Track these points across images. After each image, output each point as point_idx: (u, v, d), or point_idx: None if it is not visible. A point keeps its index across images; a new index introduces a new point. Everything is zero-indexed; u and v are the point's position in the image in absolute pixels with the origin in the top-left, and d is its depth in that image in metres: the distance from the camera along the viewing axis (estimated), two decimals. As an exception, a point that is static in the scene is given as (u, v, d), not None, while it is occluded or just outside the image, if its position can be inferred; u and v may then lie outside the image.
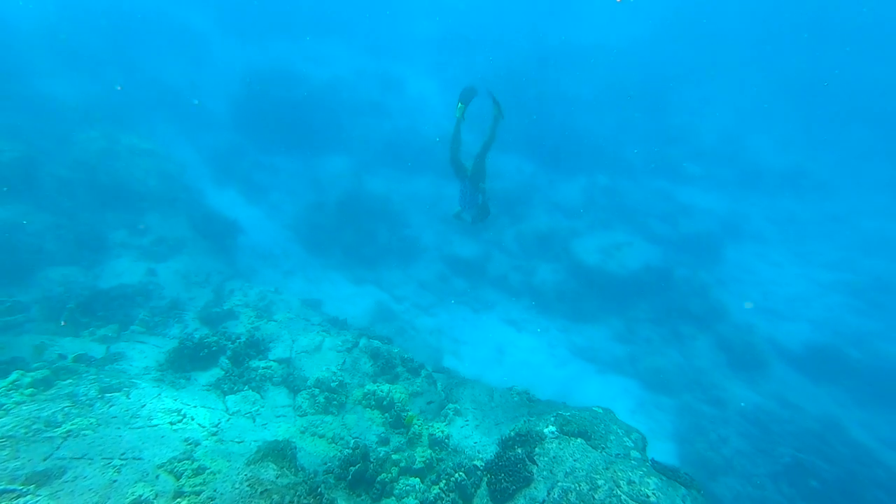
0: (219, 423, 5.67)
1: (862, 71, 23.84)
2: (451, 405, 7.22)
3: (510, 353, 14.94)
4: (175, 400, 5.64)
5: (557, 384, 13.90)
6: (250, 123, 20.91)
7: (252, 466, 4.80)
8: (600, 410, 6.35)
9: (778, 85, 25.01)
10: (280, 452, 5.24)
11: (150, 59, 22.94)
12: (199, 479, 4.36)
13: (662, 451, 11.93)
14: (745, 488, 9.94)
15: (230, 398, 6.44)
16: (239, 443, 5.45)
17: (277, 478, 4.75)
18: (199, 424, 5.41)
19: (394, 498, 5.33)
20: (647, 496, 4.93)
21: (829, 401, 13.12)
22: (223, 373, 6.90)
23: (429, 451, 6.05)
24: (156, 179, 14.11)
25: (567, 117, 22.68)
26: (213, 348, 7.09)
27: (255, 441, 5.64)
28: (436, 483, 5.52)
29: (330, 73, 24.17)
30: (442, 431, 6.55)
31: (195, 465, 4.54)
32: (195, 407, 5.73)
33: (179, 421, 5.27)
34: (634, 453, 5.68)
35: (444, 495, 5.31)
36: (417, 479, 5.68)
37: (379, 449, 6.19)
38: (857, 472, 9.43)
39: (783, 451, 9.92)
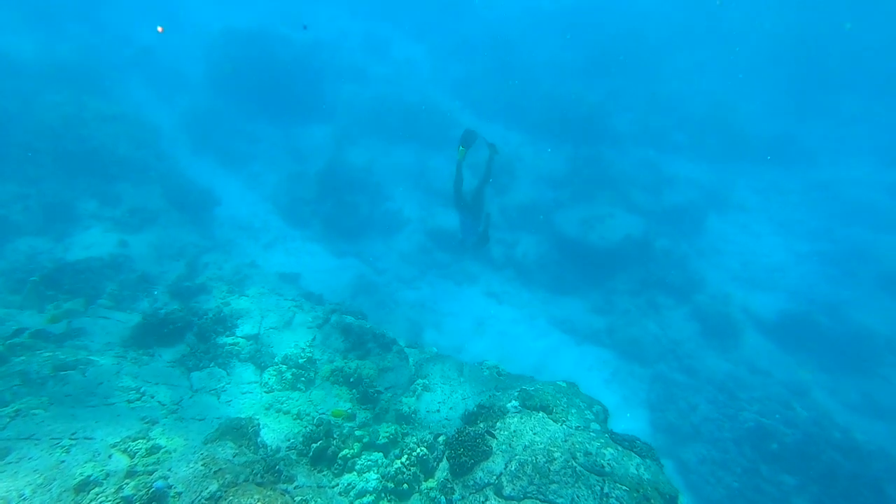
0: (180, 401, 5.66)
1: (853, 35, 23.17)
2: (420, 380, 7.28)
3: (491, 325, 15.09)
4: (135, 377, 5.59)
5: (536, 356, 14.16)
6: (229, 87, 19.99)
7: (209, 445, 4.82)
8: (564, 384, 6.45)
9: (769, 49, 24.31)
10: (240, 430, 5.27)
11: (120, 17, 21.60)
12: (152, 459, 4.37)
13: (635, 419, 12.36)
14: (711, 453, 10.38)
15: (195, 375, 6.41)
16: (200, 420, 5.45)
17: (235, 456, 4.78)
18: (159, 402, 5.39)
19: (355, 473, 5.43)
20: (602, 466, 5.07)
21: (796, 367, 13.55)
22: (189, 349, 6.84)
23: (394, 427, 6.13)
24: (127, 146, 13.54)
25: (555, 85, 22.00)
26: (179, 324, 7.00)
27: (217, 419, 5.64)
28: (398, 458, 5.62)
29: (312, 35, 22.98)
30: (409, 407, 6.63)
31: (150, 443, 4.54)
32: (156, 384, 5.69)
33: (138, 399, 5.24)
34: (594, 425, 5.80)
35: (405, 469, 5.41)
36: (381, 454, 5.78)
37: (344, 424, 6.26)
38: (815, 434, 9.83)
39: (747, 417, 10.30)
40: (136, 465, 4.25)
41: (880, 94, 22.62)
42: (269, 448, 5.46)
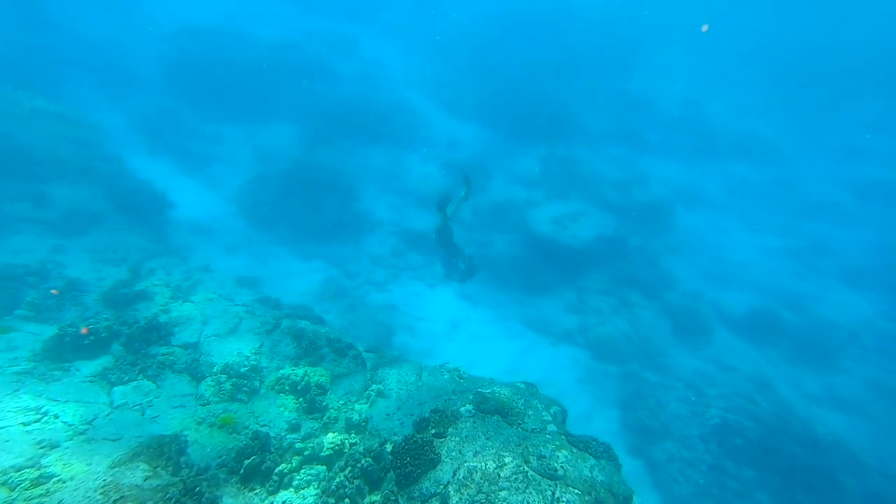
0: (93, 420, 5.06)
1: (816, 34, 23.99)
2: (374, 386, 6.83)
3: (464, 327, 14.73)
4: (38, 396, 4.97)
5: (509, 357, 13.86)
6: (187, 87, 19.16)
7: (116, 469, 4.26)
8: (522, 385, 6.11)
9: (737, 49, 24.93)
10: (159, 449, 4.71)
11: (68, 13, 20.48)
12: (38, 491, 3.79)
13: (606, 418, 12.15)
14: (679, 450, 10.23)
15: (118, 389, 5.81)
16: (114, 441, 4.87)
17: (146, 480, 4.23)
18: (65, 423, 4.78)
19: (292, 489, 4.94)
20: (556, 469, 4.74)
21: (762, 362, 13.65)
22: (114, 361, 6.22)
23: (341, 437, 5.67)
24: (67, 146, 12.65)
25: (529, 83, 21.94)
26: (104, 334, 6.37)
27: (137, 437, 5.07)
28: (342, 470, 5.16)
29: (276, 33, 22.32)
30: (360, 414, 6.18)
31: (40, 472, 3.96)
32: (65, 402, 5.08)
33: (37, 420, 4.63)
34: (551, 427, 5.47)
35: (348, 483, 4.95)
36: (324, 467, 5.31)
37: (287, 437, 5.77)
38: (777, 427, 9.83)
39: (714, 413, 10.21)
40: (14, 499, 3.67)
41: (840, 92, 23.41)
42: (195, 467, 4.92)
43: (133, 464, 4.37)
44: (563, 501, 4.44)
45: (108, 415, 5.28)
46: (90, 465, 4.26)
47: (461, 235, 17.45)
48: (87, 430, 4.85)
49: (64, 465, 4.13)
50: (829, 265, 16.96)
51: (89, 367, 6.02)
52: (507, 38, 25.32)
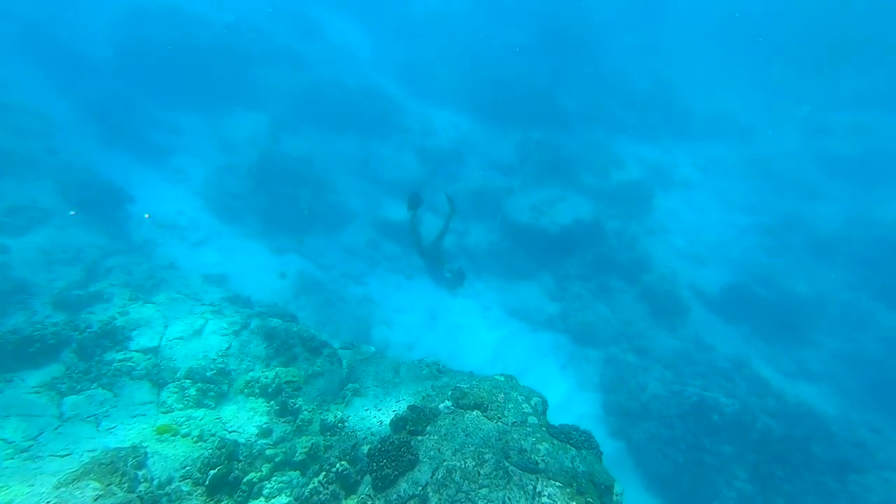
0: (39, 435, 4.65)
1: (784, 9, 24.27)
2: (351, 385, 6.57)
3: (443, 317, 14.54)
4: (-28, 413, 4.52)
5: (491, 347, 13.79)
6: (141, 72, 17.96)
7: (62, 490, 3.89)
8: (502, 378, 5.96)
9: (706, 26, 25.05)
10: (112, 465, 4.35)
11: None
12: (-32, 520, 3.43)
13: (589, 401, 12.26)
14: (659, 430, 10.40)
15: (69, 400, 5.38)
16: (63, 457, 4.49)
17: (97, 500, 3.89)
18: (4, 440, 4.36)
19: (262, 498, 4.67)
20: (536, 463, 4.62)
21: (738, 339, 14.00)
22: (65, 369, 5.75)
23: (314, 440, 5.40)
24: (9, 137, 11.71)
25: (502, 66, 21.56)
26: (51, 341, 5.88)
27: (89, 452, 4.69)
28: (316, 475, 4.91)
29: (236, 15, 21.14)
30: (335, 416, 5.92)
31: (-30, 499, 3.59)
32: (5, 417, 4.64)
33: (-30, 441, 4.21)
34: (532, 419, 5.34)
35: (322, 489, 4.71)
36: (297, 473, 5.05)
37: (258, 442, 5.47)
38: (752, 403, 10.09)
39: (692, 392, 10.39)
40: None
41: (809, 67, 23.79)
42: (155, 481, 4.59)
43: (83, 481, 4.02)
44: (544, 495, 4.33)
45: (56, 428, 4.87)
46: (32, 486, 3.89)
47: (435, 222, 17.25)
48: (30, 446, 4.44)
49: (1, 487, 3.75)
50: (799, 239, 17.36)
51: (35, 376, 5.55)
52: (479, 20, 24.78)
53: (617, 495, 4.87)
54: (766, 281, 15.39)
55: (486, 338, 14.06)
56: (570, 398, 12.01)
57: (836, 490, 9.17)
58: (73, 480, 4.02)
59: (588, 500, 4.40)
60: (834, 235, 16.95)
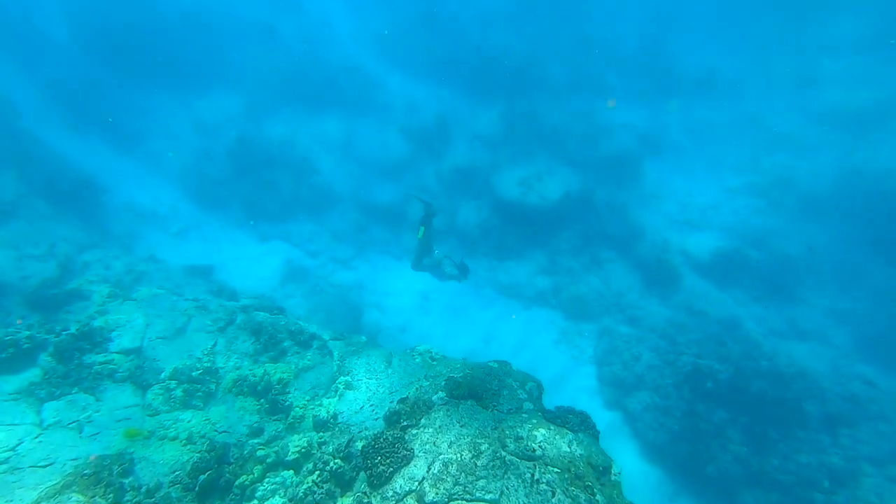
0: (17, 445, 4.46)
1: None
2: (342, 378, 6.44)
3: (435, 298, 14.45)
4: (-59, 430, 4.31)
5: (484, 326, 13.76)
6: (104, 52, 16.88)
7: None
8: (495, 365, 5.86)
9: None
10: (96, 474, 4.20)
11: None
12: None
13: (584, 375, 12.37)
14: (654, 399, 10.56)
15: (49, 406, 5.18)
16: (45, 467, 4.32)
17: (79, 516, 3.74)
18: (-21, 457, 4.17)
19: (256, 501, 4.58)
20: (534, 450, 4.57)
21: (730, 303, 14.05)
22: (42, 374, 5.52)
23: (307, 437, 5.30)
24: (-35, 129, 11.00)
25: (484, 36, 20.69)
26: (25, 345, 5.63)
27: (73, 460, 4.52)
28: (311, 474, 4.83)
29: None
30: (328, 411, 5.80)
31: (-57, 525, 3.42)
32: (-20, 432, 4.43)
33: (-59, 460, 4.01)
34: (527, 405, 5.29)
35: (317, 488, 4.64)
36: (291, 472, 4.96)
37: (249, 442, 5.35)
38: (745, 366, 10.18)
39: (686, 360, 10.50)
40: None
41: (794, 15, 22.97)
42: (143, 488, 4.46)
43: (65, 494, 3.87)
44: (542, 482, 4.29)
45: (36, 437, 4.68)
46: (11, 501, 3.73)
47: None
48: (9, 457, 4.26)
49: (-25, 511, 3.60)
50: (789, 197, 17.10)
51: (12, 383, 5.32)
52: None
53: (615, 475, 4.86)
54: (757, 243, 15.29)
55: (479, 318, 14.03)
56: (564, 373, 12.12)
57: (828, 445, 9.41)
58: (55, 493, 3.87)
59: (587, 483, 4.39)
60: (825, 191, 16.61)
